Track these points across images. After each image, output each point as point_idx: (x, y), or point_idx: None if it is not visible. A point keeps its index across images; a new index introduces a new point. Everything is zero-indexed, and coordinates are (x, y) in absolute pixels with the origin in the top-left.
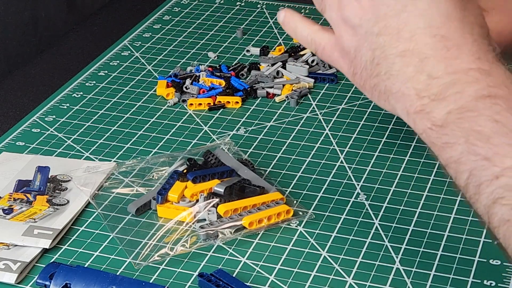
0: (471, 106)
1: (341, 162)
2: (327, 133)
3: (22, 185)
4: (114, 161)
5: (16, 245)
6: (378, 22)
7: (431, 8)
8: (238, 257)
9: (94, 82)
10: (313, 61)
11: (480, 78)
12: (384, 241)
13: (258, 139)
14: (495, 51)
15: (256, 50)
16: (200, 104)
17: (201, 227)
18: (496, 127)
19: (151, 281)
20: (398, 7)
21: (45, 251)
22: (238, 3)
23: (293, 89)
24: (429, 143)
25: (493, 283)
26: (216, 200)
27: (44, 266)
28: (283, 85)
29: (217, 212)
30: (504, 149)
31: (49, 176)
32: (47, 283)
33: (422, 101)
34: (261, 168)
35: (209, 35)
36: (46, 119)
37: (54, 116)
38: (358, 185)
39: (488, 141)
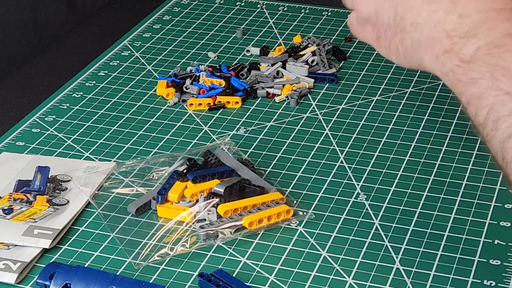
0: (499, 42)
1: (341, 162)
2: (327, 133)
3: (22, 185)
4: (114, 161)
5: (16, 245)
6: None
7: None
8: (238, 257)
9: (94, 82)
10: (313, 61)
11: (511, 17)
12: (384, 241)
13: (258, 139)
14: None
15: (256, 50)
16: (200, 104)
17: (201, 227)
18: None
19: (151, 281)
20: None
21: (45, 251)
22: (238, 3)
23: (293, 89)
24: (455, 81)
25: (493, 283)
26: (216, 200)
27: (44, 266)
28: (283, 85)
29: (217, 212)
30: None
31: (49, 176)
32: (47, 283)
33: (452, 40)
34: (261, 168)
35: (209, 35)
36: (46, 119)
37: (54, 116)
38: (358, 185)
39: None
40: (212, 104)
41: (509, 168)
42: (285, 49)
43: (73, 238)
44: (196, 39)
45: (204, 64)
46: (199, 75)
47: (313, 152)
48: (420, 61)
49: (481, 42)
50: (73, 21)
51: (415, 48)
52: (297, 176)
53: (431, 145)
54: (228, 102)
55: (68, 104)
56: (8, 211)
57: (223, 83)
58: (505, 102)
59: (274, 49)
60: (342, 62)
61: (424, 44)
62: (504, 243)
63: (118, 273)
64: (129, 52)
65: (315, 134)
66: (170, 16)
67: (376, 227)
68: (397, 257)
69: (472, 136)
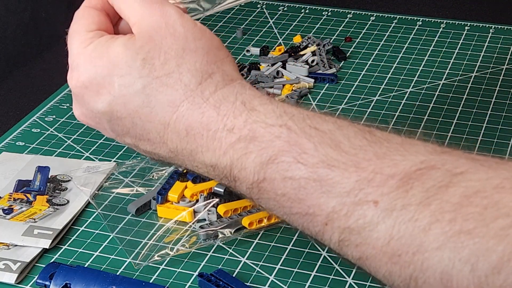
0: (260, 177)
1: None
2: None
3: (22, 185)
4: (114, 161)
5: (16, 245)
6: (125, 136)
7: (152, 110)
8: (238, 257)
9: None
10: (313, 61)
11: (249, 147)
12: None
13: None
14: (236, 85)
15: (256, 50)
16: None
17: (201, 227)
18: (294, 183)
19: (151, 281)
20: (128, 123)
21: (45, 251)
22: None
23: (293, 89)
24: None
25: None
26: (216, 200)
27: (44, 266)
28: (283, 85)
29: (217, 212)
30: (313, 199)
31: (49, 176)
32: (47, 283)
33: (226, 183)
34: None
35: None
36: (46, 119)
37: (54, 116)
38: None
39: (297, 199)
40: None
41: (364, 268)
42: (285, 49)
43: (73, 238)
44: None
45: None
46: None
47: None
48: None
49: (246, 183)
50: None
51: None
52: None
53: None
54: None
55: (68, 104)
56: (8, 211)
57: None
58: (310, 220)
59: (274, 49)
60: (342, 62)
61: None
62: None
63: (118, 273)
64: None
65: None
66: None
67: None
68: None
69: (472, 136)
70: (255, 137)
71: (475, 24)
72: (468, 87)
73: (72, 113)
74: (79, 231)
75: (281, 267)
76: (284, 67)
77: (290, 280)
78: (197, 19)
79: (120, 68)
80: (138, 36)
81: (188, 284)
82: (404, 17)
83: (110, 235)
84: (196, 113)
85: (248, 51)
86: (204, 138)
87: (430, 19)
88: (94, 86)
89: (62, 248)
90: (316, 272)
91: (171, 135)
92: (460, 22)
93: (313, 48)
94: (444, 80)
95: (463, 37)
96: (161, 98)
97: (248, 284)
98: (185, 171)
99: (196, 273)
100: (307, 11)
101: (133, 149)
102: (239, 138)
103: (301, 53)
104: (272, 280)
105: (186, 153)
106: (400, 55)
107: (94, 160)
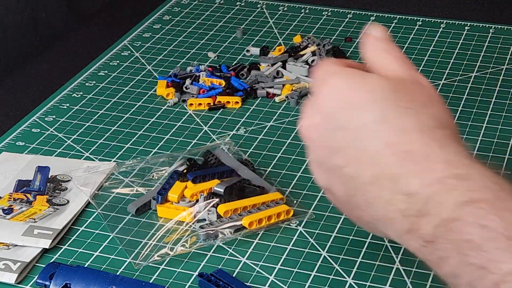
0: (455, 215)
1: None
2: None
3: (22, 185)
4: (114, 161)
5: (16, 245)
6: (336, 154)
7: (383, 127)
8: (238, 257)
9: (94, 82)
10: (313, 61)
11: (458, 185)
12: (384, 241)
13: (258, 139)
14: (464, 148)
15: (256, 50)
16: (200, 104)
17: (201, 227)
18: (485, 233)
19: (151, 281)
20: (350, 136)
21: (45, 251)
22: (238, 3)
23: (293, 89)
24: (424, 260)
25: None
26: (216, 200)
27: (44, 266)
28: (283, 85)
29: (217, 212)
30: (497, 255)
31: (49, 176)
32: (47, 283)
33: (409, 221)
34: (261, 168)
35: (209, 35)
36: (46, 119)
37: (54, 116)
38: None
39: (480, 249)
40: (212, 104)
41: None
42: (285, 49)
43: (73, 238)
44: (196, 39)
45: (204, 64)
46: (199, 75)
47: None
48: (385, 234)
49: (436, 219)
50: (73, 21)
51: (374, 224)
52: (297, 176)
53: None
54: (228, 102)
55: (68, 104)
56: (8, 211)
57: (223, 83)
58: (483, 276)
59: (274, 49)
60: None
61: (383, 223)
62: None
63: (118, 273)
64: (129, 52)
65: None
66: (170, 16)
67: None
68: (397, 257)
69: (472, 136)
70: (468, 179)
71: (475, 24)
72: (468, 87)
73: (72, 113)
74: (79, 231)
75: (281, 267)
76: (284, 67)
77: (290, 280)
78: None
79: (372, 96)
80: (392, 78)
81: (188, 284)
82: (404, 17)
83: (110, 235)
84: (420, 144)
85: (248, 51)
86: (418, 164)
87: (430, 19)
88: (356, 101)
89: (62, 248)
90: (316, 272)
91: (388, 157)
92: (460, 22)
93: (313, 48)
94: (444, 80)
95: (463, 37)
96: (395, 121)
97: (248, 284)
98: (185, 171)
99: (196, 273)
100: (307, 11)
101: (329, 175)
102: (453, 174)
103: (301, 53)
104: (272, 280)
105: (392, 176)
106: None
107: (94, 160)
